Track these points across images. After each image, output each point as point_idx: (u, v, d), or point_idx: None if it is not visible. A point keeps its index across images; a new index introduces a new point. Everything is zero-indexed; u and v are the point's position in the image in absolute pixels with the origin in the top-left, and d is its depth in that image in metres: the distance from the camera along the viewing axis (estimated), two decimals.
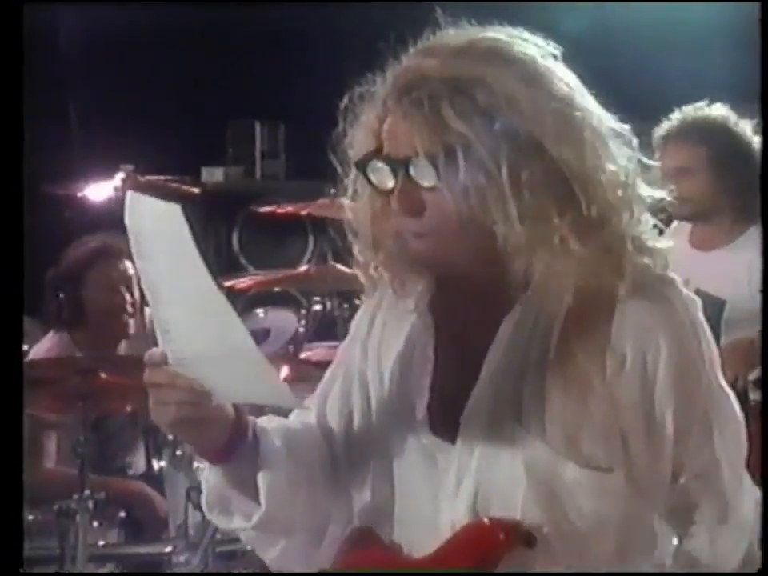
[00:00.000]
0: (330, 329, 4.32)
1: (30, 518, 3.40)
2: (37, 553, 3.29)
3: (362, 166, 1.57)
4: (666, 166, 3.34)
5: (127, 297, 3.76)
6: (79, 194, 4.65)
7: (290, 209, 4.42)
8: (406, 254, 1.58)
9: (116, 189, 4.44)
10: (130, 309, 3.76)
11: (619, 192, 1.54)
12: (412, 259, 1.58)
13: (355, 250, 1.66)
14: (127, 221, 1.43)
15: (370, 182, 1.57)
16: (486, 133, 1.48)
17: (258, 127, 6.16)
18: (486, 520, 1.54)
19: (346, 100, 1.60)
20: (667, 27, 5.10)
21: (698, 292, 3.42)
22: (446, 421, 1.60)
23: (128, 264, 3.75)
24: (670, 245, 1.61)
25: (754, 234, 3.31)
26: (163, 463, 3.55)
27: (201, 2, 5.40)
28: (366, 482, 1.67)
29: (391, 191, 1.55)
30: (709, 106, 3.47)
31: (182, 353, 1.47)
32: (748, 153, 3.41)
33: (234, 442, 1.58)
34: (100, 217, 4.62)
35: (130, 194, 1.43)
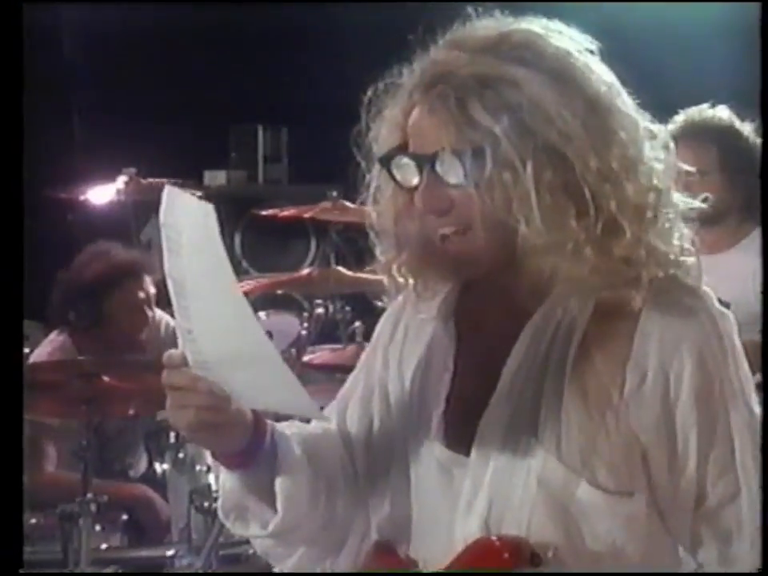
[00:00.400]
0: (332, 332, 4.32)
1: (33, 521, 3.40)
2: (40, 556, 3.29)
3: (386, 161, 1.53)
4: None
5: (149, 314, 3.76)
6: (81, 198, 4.64)
7: (292, 212, 4.42)
8: (430, 253, 1.54)
9: (118, 192, 4.43)
10: (149, 325, 3.75)
11: (650, 197, 1.50)
12: (437, 258, 1.54)
13: (377, 251, 1.62)
14: (162, 215, 1.40)
15: (394, 178, 1.53)
16: (513, 130, 1.44)
17: (260, 131, 6.15)
18: (493, 538, 1.51)
19: (370, 93, 1.56)
20: (665, 28, 5.08)
21: None
22: (461, 433, 1.56)
23: (148, 280, 3.74)
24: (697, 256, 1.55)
25: (759, 236, 3.29)
26: (166, 466, 3.55)
27: (204, 5, 5.40)
28: (385, 493, 1.64)
29: (416, 188, 1.51)
30: (712, 107, 3.47)
31: (203, 354, 1.43)
32: (754, 154, 3.40)
33: (252, 447, 1.54)
34: (102, 220, 4.62)
35: (167, 188, 1.41)
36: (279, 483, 1.57)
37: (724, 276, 3.33)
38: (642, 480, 1.50)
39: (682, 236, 1.55)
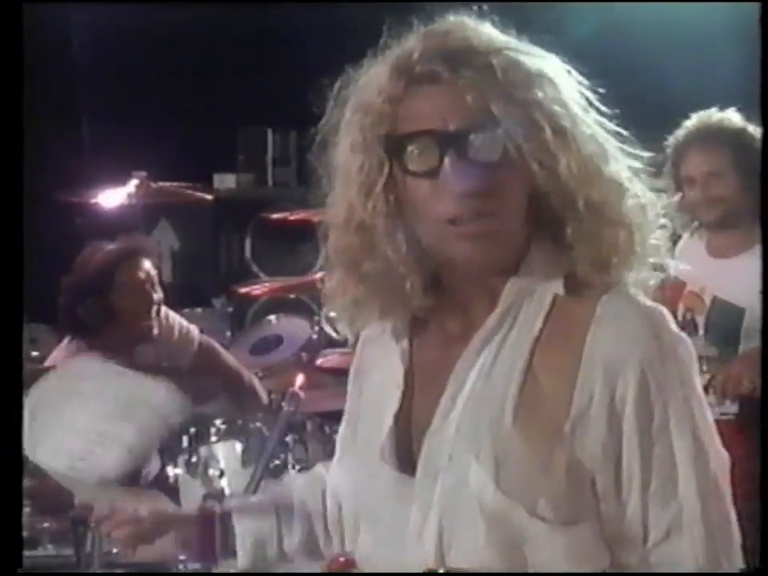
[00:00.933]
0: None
1: (46, 525, 3.40)
2: (52, 560, 3.29)
3: (396, 145, 1.44)
4: (694, 171, 3.34)
5: (153, 296, 3.75)
6: (92, 201, 4.64)
7: (301, 215, 4.42)
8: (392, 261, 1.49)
9: (129, 195, 4.43)
10: (155, 308, 3.75)
11: (629, 205, 1.45)
12: (457, 254, 1.45)
13: (339, 272, 1.56)
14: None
15: (403, 165, 1.44)
16: (548, 98, 1.42)
17: (269, 134, 6.15)
18: (441, 571, 1.44)
19: (336, 88, 1.53)
20: (663, 29, 5.06)
21: (716, 300, 3.41)
22: (408, 453, 1.51)
23: (148, 263, 3.75)
24: (661, 277, 1.49)
25: None
26: (178, 470, 3.54)
27: (213, 8, 5.40)
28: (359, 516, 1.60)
29: (430, 173, 1.42)
30: (720, 111, 3.46)
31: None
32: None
33: (202, 543, 1.72)
34: (113, 224, 4.62)
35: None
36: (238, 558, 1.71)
37: (737, 281, 3.34)
38: (590, 508, 1.43)
39: (658, 247, 1.49)
